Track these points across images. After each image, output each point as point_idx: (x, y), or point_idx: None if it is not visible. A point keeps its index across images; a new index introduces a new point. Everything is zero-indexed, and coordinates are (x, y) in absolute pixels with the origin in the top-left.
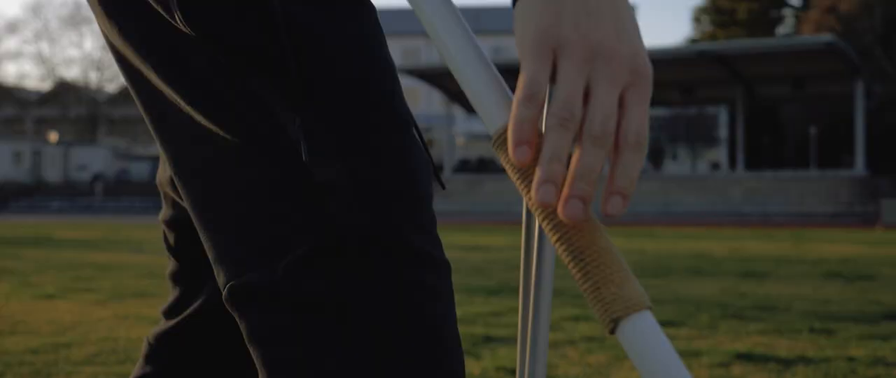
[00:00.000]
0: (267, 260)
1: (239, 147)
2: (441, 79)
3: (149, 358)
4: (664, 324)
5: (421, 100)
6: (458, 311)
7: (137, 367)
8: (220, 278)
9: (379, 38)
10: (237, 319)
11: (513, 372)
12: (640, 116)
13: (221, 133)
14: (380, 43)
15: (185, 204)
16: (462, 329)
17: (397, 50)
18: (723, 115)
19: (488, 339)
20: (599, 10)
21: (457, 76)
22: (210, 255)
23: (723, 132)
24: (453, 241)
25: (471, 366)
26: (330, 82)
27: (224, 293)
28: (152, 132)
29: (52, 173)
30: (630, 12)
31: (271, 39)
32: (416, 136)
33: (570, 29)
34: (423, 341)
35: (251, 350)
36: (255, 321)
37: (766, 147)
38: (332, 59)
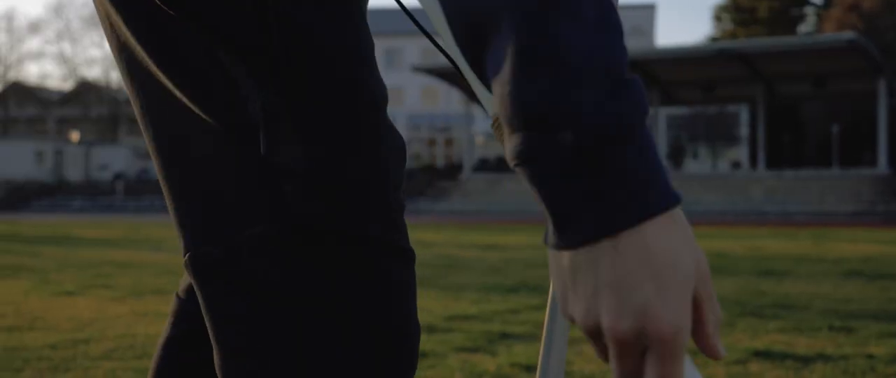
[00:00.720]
0: (222, 235)
1: (203, 119)
2: (460, 78)
3: (179, 315)
4: None
5: (440, 99)
6: (475, 309)
7: (167, 326)
8: (181, 244)
9: (354, 16)
10: (195, 289)
11: (528, 368)
12: None
13: (188, 102)
14: (355, 21)
15: (152, 161)
16: (479, 326)
17: (417, 49)
18: (744, 114)
19: (505, 336)
20: (600, 285)
21: (460, 67)
22: (172, 218)
23: (743, 131)
24: (472, 240)
25: (487, 362)
26: (295, 61)
27: (184, 260)
28: (127, 89)
29: (73, 173)
30: (645, 268)
31: (239, 14)
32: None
33: (572, 308)
34: (374, 333)
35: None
36: (207, 295)
37: (787, 146)
38: (299, 37)
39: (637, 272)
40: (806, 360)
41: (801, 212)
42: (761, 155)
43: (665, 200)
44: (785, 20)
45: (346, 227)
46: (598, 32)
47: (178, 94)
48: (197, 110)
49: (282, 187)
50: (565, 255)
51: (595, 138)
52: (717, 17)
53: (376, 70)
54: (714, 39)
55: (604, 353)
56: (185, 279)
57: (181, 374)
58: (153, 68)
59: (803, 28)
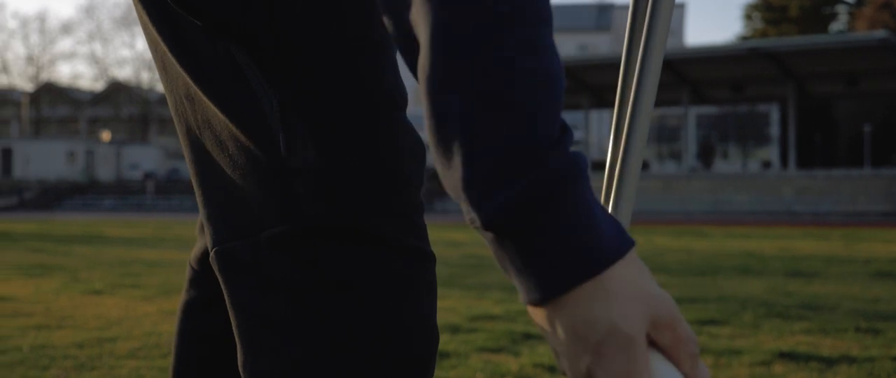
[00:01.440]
0: (242, 233)
1: (223, 118)
2: None
3: (193, 282)
4: (707, 322)
5: None
6: (500, 309)
7: (183, 293)
8: (207, 238)
9: (370, 15)
10: (220, 282)
11: (550, 369)
12: None
13: (208, 100)
14: (371, 19)
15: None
16: (502, 326)
17: None
18: (774, 113)
19: (528, 337)
20: (553, 346)
21: None
22: (200, 211)
23: (774, 130)
24: None
25: (509, 362)
26: (306, 59)
27: (210, 254)
28: (162, 84)
29: (104, 172)
30: (578, 341)
31: (246, 9)
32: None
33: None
34: (387, 332)
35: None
36: (231, 291)
37: (818, 145)
38: (310, 34)
39: (572, 344)
40: (830, 362)
41: (832, 212)
42: (792, 154)
43: (591, 265)
44: (816, 18)
45: (359, 225)
46: (516, 112)
47: (199, 91)
48: (216, 108)
49: (295, 187)
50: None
51: (501, 220)
52: (748, 16)
53: (395, 69)
54: (744, 38)
55: None
56: (197, 249)
57: (199, 332)
58: (179, 66)
59: (835, 26)
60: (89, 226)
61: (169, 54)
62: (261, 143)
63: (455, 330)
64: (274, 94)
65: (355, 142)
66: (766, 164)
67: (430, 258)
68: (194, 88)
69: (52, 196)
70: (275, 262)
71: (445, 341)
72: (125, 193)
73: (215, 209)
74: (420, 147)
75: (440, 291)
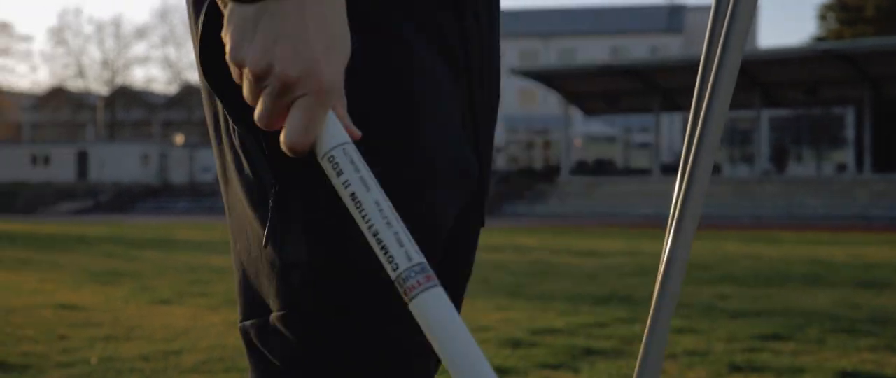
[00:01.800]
0: (254, 313)
1: (237, 196)
2: (558, 81)
3: None
4: (770, 338)
5: (538, 102)
6: (562, 322)
7: None
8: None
9: (396, 81)
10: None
11: None
12: (293, 123)
13: (233, 169)
14: (398, 86)
15: None
16: (563, 340)
17: (514, 51)
18: (849, 116)
19: (589, 352)
20: (279, 36)
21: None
22: None
23: (849, 133)
24: (568, 246)
25: None
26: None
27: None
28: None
29: (177, 175)
30: (321, 29)
31: None
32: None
33: (246, 53)
34: None
35: None
36: (250, 364)
37: (895, 148)
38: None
39: (313, 31)
40: None
41: None
42: (868, 157)
43: None
44: (893, 19)
45: (356, 324)
46: None
47: (226, 175)
48: (242, 194)
49: (290, 277)
50: (251, 7)
51: None
52: (822, 17)
53: (421, 137)
54: (819, 39)
55: (255, 95)
56: None
57: None
58: (215, 149)
59: None
60: (161, 229)
61: (211, 134)
62: (265, 232)
63: (516, 344)
64: (272, 185)
65: (350, 238)
66: (842, 167)
67: (432, 356)
68: (224, 171)
69: (127, 199)
70: (277, 344)
71: (505, 356)
72: (198, 196)
73: (238, 285)
74: (435, 228)
75: (504, 302)
